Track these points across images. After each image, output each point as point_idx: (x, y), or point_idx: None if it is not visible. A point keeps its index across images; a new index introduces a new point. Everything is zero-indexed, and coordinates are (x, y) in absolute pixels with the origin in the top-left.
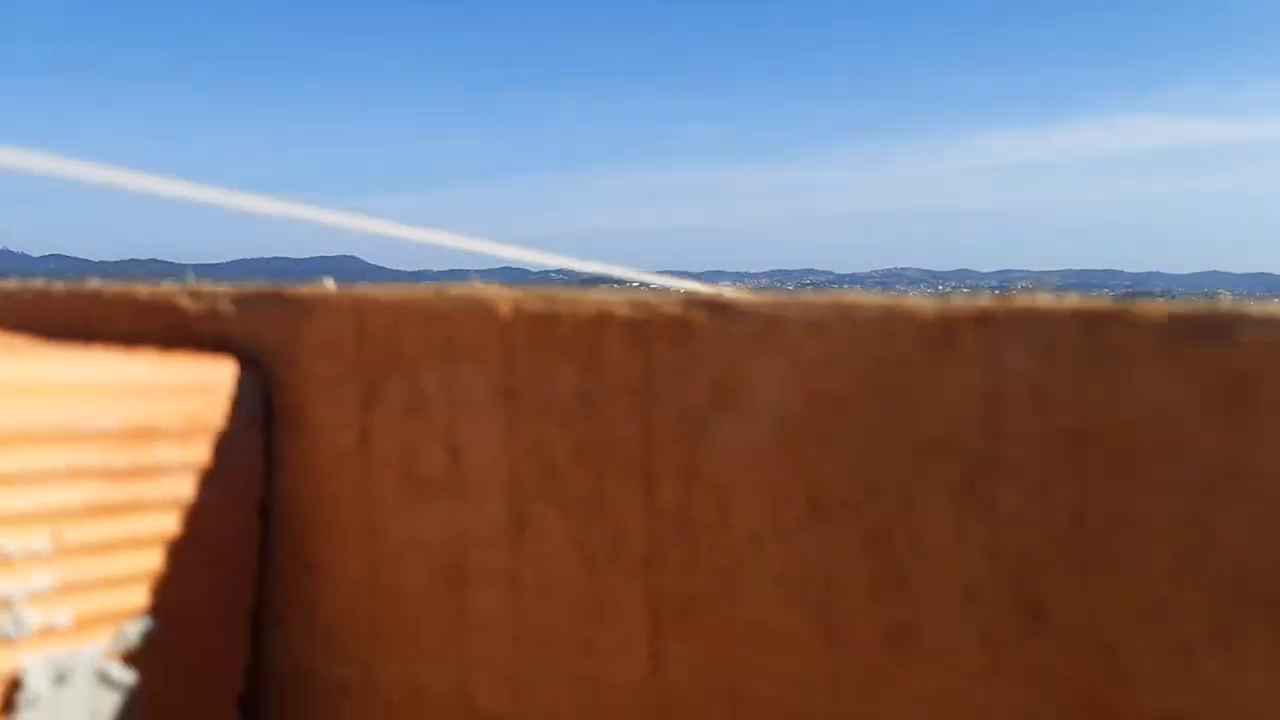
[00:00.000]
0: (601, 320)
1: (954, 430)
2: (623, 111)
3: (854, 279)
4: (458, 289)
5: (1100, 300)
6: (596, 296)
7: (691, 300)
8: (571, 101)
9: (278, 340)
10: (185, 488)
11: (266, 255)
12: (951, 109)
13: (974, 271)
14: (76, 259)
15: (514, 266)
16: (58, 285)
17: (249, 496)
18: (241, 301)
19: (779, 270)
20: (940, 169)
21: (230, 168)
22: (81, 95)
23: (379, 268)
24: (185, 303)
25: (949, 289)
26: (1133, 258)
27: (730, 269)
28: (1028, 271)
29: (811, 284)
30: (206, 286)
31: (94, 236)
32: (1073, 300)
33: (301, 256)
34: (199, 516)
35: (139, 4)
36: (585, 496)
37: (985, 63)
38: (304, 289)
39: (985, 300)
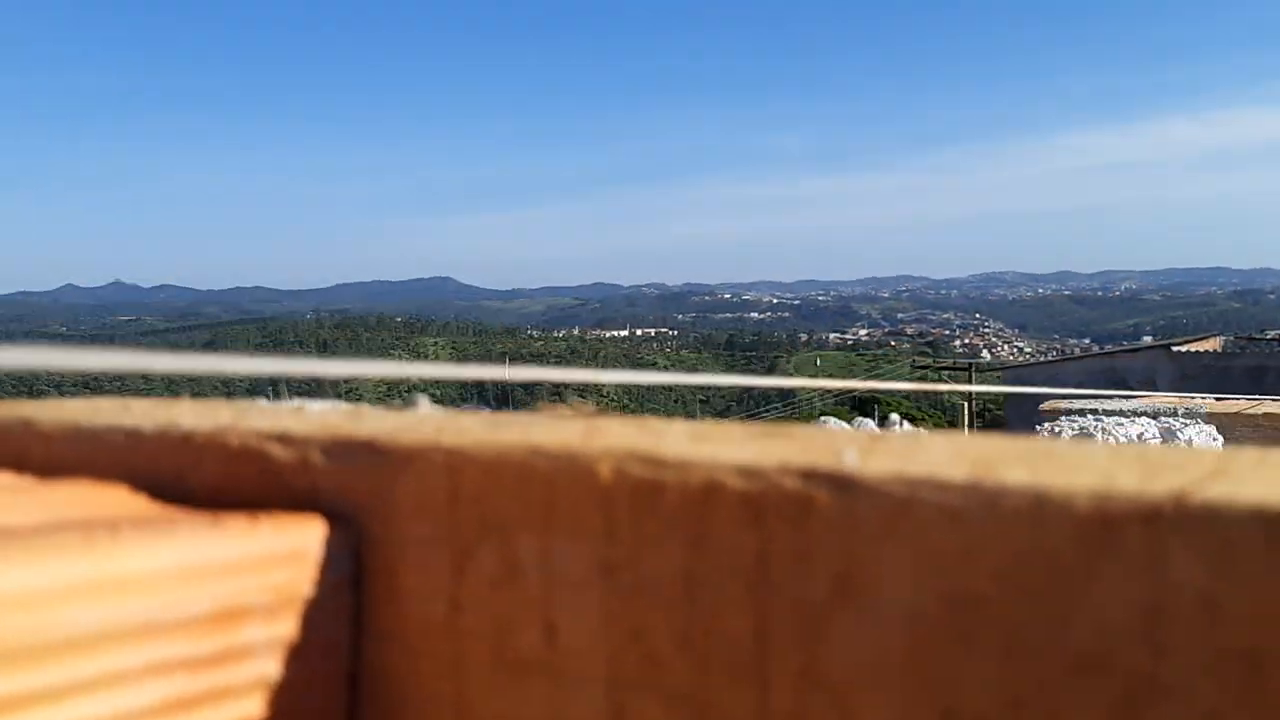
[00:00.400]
0: (711, 492)
1: (1111, 644)
2: (707, 124)
3: (950, 284)
4: (556, 442)
5: None
6: (706, 462)
7: (812, 474)
8: (655, 116)
9: (370, 495)
10: (271, 667)
11: (366, 279)
12: (1044, 109)
13: (1075, 274)
14: (186, 289)
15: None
16: (149, 425)
17: (337, 668)
18: (332, 451)
19: (873, 278)
20: (1035, 170)
21: (331, 189)
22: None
23: (472, 287)
24: (276, 451)
25: (1048, 290)
26: (1242, 254)
27: (823, 278)
28: (1131, 272)
29: (907, 290)
30: (300, 430)
31: (202, 266)
32: (1252, 497)
33: (399, 279)
34: (283, 696)
35: (237, 30)
36: (690, 692)
37: (1077, 62)
38: (398, 437)
39: (1154, 493)
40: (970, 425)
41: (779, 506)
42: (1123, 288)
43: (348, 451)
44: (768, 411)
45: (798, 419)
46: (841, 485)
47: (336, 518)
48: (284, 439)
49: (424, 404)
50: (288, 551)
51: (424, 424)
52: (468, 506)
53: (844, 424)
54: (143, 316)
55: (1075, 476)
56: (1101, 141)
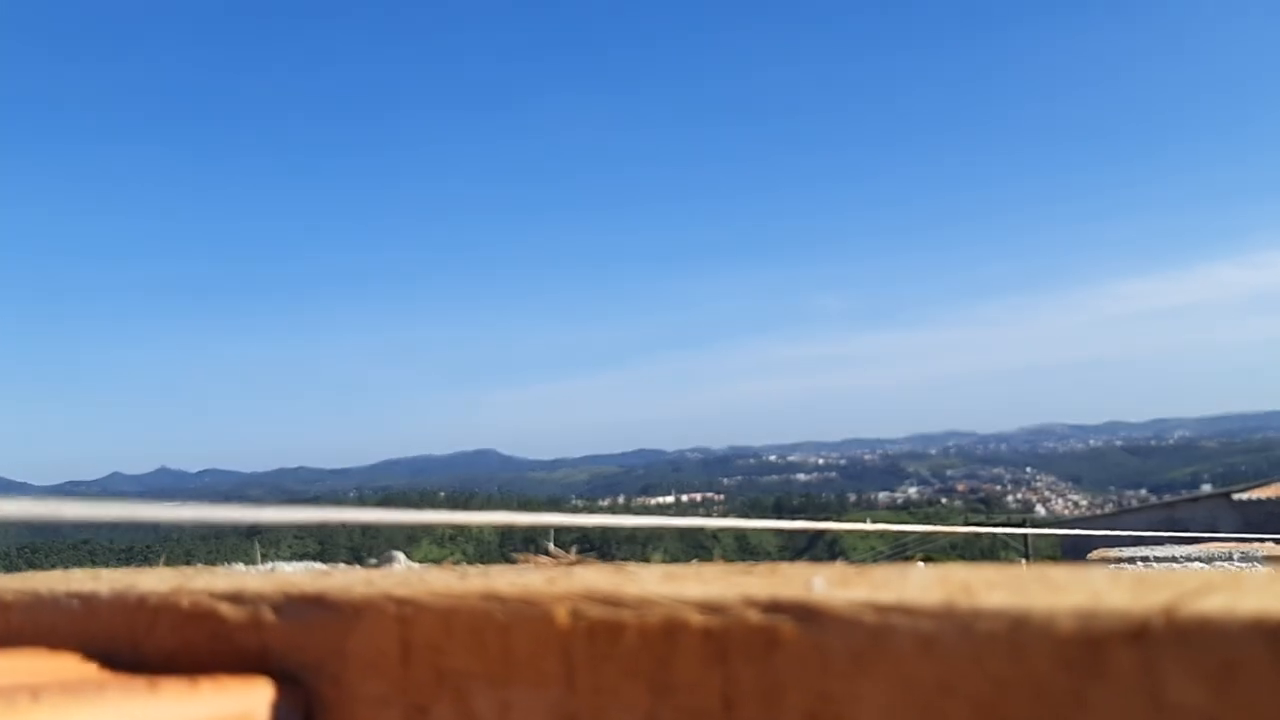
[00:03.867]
0: (672, 631)
1: None
2: (747, 289)
3: (999, 438)
4: (512, 587)
5: None
6: (666, 598)
7: (777, 605)
8: (694, 283)
9: (321, 653)
10: None
11: (409, 455)
12: (1086, 257)
13: (1125, 423)
14: (230, 472)
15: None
16: (104, 591)
17: None
18: (284, 609)
19: (921, 434)
20: (1080, 319)
21: (372, 369)
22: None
23: (515, 459)
24: (227, 611)
25: (1100, 442)
26: None
27: (869, 436)
28: (1184, 419)
29: (955, 446)
30: (251, 587)
31: (246, 449)
32: (1250, 609)
33: (443, 454)
34: None
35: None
36: None
37: (1117, 209)
38: (351, 591)
39: (1141, 609)
40: None
41: (743, 642)
42: (1177, 436)
43: (298, 608)
44: None
45: None
46: (808, 616)
47: (286, 679)
48: (235, 598)
49: (400, 561)
50: (230, 716)
51: (383, 578)
52: (422, 660)
53: None
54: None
55: (1058, 597)
56: (1145, 288)
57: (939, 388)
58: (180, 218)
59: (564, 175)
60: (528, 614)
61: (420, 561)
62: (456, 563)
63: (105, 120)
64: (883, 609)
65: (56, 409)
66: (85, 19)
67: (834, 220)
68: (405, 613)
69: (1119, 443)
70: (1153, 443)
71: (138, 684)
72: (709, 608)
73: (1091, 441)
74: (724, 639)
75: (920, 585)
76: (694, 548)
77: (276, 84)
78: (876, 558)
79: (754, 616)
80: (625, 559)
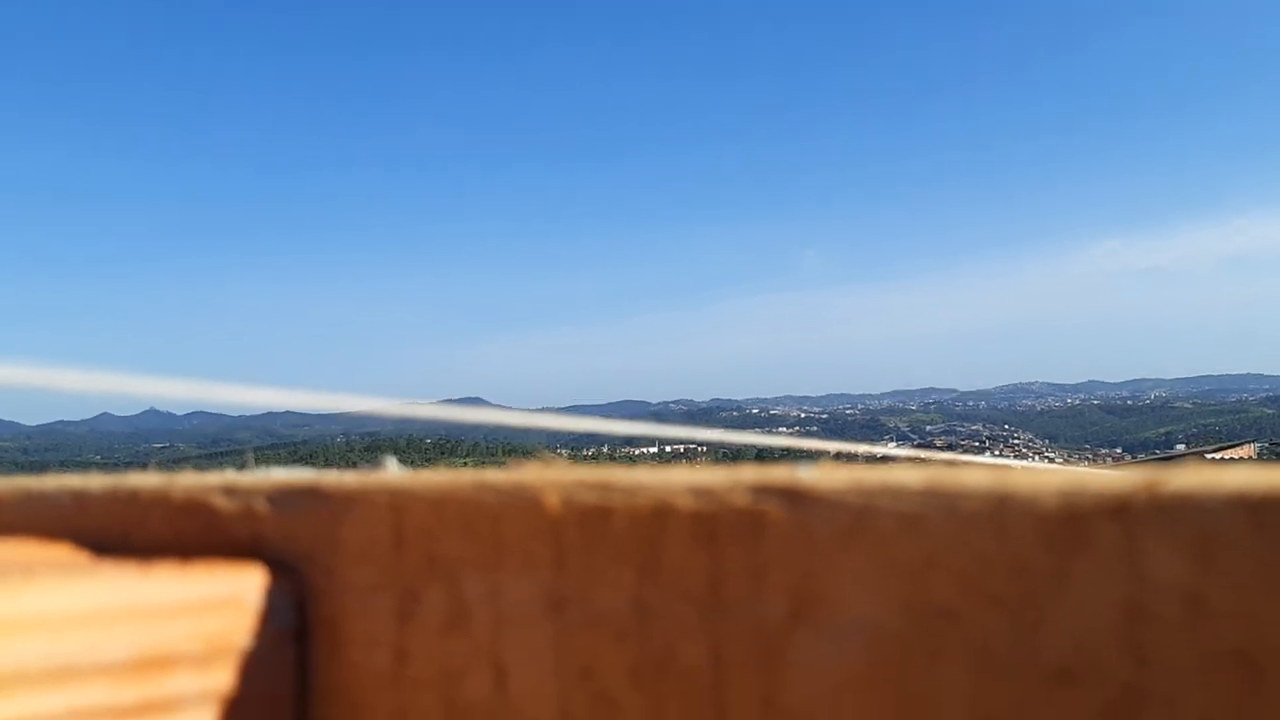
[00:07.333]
0: (661, 514)
1: (1088, 652)
2: (733, 243)
3: (978, 395)
4: (503, 478)
5: (1269, 480)
6: (657, 483)
7: (764, 488)
8: (679, 235)
9: (314, 542)
10: (203, 719)
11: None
12: (1066, 218)
13: (1103, 383)
14: (218, 415)
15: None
16: (96, 486)
17: None
18: (277, 499)
19: (900, 390)
20: (1061, 279)
21: (363, 315)
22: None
23: (502, 407)
24: (220, 502)
25: (1077, 400)
26: (1273, 360)
27: (853, 391)
28: (1161, 380)
29: (934, 402)
30: (245, 481)
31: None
32: (1232, 484)
33: (429, 401)
34: None
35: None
36: None
37: (1098, 170)
38: (344, 482)
39: (1123, 485)
40: None
41: (731, 524)
42: (1153, 396)
43: (292, 498)
44: None
45: None
46: (795, 498)
47: (280, 567)
48: (229, 491)
49: (392, 465)
50: (223, 599)
51: (378, 476)
52: (413, 547)
53: None
54: (176, 444)
55: (1041, 478)
56: (1126, 249)
57: (920, 344)
58: (172, 158)
59: (556, 126)
60: (519, 500)
61: None
62: None
63: (93, 57)
64: (868, 490)
65: (44, 349)
66: None
67: (819, 177)
68: (398, 501)
69: (1096, 402)
70: (1129, 402)
71: (128, 563)
72: (698, 492)
73: (1069, 400)
74: (712, 521)
75: (905, 472)
76: None
77: (264, 21)
78: None
79: (741, 499)
80: None
